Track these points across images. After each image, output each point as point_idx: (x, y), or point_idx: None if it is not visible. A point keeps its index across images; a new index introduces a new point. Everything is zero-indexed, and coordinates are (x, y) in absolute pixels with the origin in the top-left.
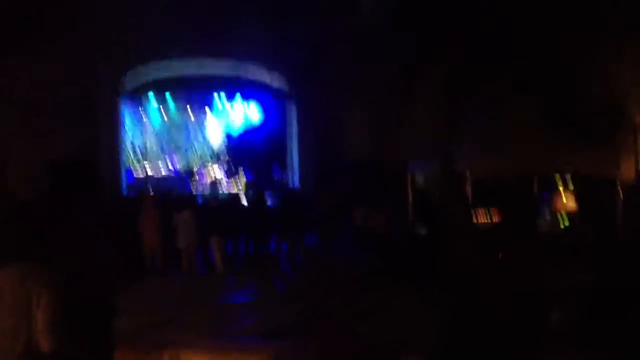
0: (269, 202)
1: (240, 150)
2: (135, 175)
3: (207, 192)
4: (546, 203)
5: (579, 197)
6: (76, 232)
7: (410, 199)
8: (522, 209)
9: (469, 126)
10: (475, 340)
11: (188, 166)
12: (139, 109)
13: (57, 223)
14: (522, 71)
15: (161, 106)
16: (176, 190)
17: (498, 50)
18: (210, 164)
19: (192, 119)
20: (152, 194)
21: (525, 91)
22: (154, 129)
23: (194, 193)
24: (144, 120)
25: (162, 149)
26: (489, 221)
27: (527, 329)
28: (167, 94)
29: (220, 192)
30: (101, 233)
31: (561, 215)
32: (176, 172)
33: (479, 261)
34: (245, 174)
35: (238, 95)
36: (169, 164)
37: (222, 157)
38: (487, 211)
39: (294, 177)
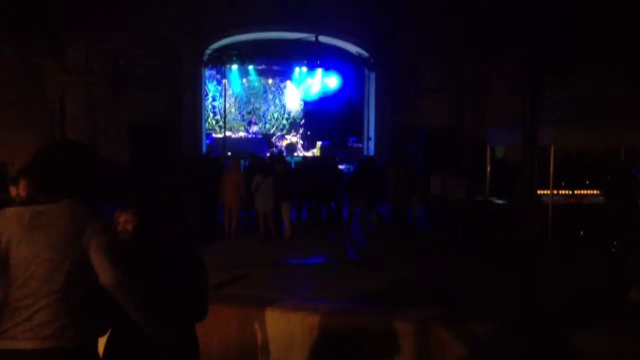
0: (343, 168)
1: (317, 117)
2: (214, 136)
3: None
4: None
5: None
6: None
7: (489, 169)
8: (617, 186)
9: (555, 98)
10: None
11: (265, 130)
12: (221, 75)
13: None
14: (611, 41)
15: (242, 73)
16: (253, 152)
17: (586, 20)
18: (286, 128)
19: (271, 86)
20: (229, 154)
21: (614, 62)
22: (234, 94)
23: (270, 155)
24: (225, 85)
25: (240, 113)
26: (573, 197)
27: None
28: (248, 62)
29: (296, 155)
30: (185, 191)
31: None
32: (255, 134)
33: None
34: (321, 139)
35: (317, 63)
36: (247, 127)
37: (299, 123)
38: (570, 188)
39: (370, 144)
